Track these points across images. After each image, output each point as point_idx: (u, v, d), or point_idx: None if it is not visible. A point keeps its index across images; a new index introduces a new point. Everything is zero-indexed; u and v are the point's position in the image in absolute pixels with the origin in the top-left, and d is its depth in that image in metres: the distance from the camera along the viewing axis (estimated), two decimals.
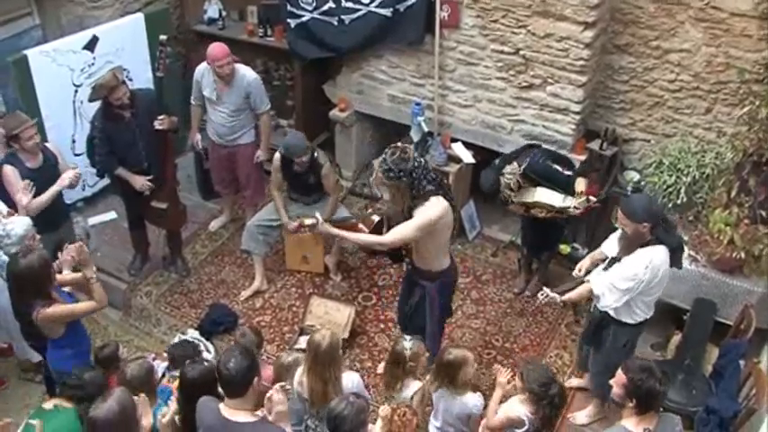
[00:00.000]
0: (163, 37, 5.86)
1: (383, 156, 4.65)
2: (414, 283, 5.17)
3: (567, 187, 5.68)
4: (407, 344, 4.58)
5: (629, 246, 4.51)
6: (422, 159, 4.73)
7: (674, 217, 4.82)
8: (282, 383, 3.92)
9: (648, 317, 4.75)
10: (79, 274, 4.66)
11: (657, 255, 4.42)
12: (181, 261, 6.78)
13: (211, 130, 6.59)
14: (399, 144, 4.71)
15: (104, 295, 4.68)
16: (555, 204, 5.66)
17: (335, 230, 4.98)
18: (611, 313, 4.67)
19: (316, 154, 6.04)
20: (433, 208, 4.61)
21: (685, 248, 4.78)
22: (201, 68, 6.39)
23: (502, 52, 6.20)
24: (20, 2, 7.01)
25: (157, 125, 5.87)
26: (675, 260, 4.55)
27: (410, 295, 5.25)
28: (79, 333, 4.83)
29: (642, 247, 4.43)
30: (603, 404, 5.12)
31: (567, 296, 4.83)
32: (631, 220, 4.38)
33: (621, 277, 4.48)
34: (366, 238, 5.21)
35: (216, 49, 6.15)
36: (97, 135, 5.95)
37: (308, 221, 5.83)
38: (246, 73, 6.36)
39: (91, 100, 5.92)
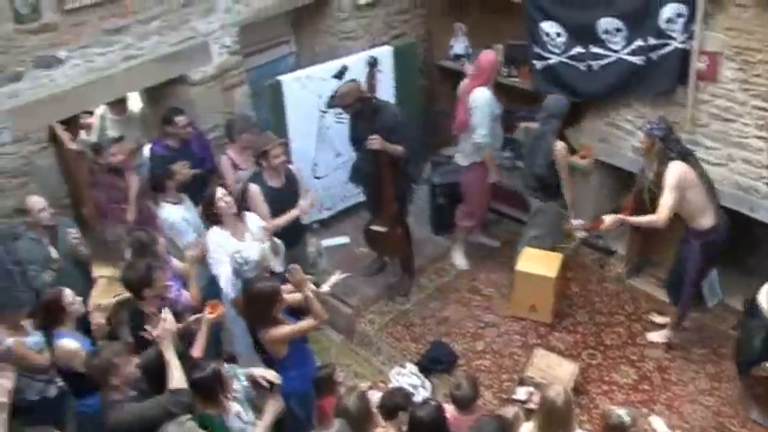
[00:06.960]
0: (372, 56, 6.29)
1: (652, 124, 5.63)
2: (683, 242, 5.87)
3: None
4: (624, 414, 4.25)
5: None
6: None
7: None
8: None
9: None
10: (299, 295, 4.78)
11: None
12: (407, 281, 6.86)
13: None
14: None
15: (322, 311, 4.74)
16: None
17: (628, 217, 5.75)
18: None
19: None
20: (673, 169, 5.45)
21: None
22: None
23: (764, 109, 5.77)
24: (281, 30, 7.51)
25: (369, 143, 6.04)
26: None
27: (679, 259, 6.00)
28: (303, 356, 4.95)
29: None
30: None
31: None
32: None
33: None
34: (641, 219, 5.67)
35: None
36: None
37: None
38: None
39: (330, 106, 6.69)
